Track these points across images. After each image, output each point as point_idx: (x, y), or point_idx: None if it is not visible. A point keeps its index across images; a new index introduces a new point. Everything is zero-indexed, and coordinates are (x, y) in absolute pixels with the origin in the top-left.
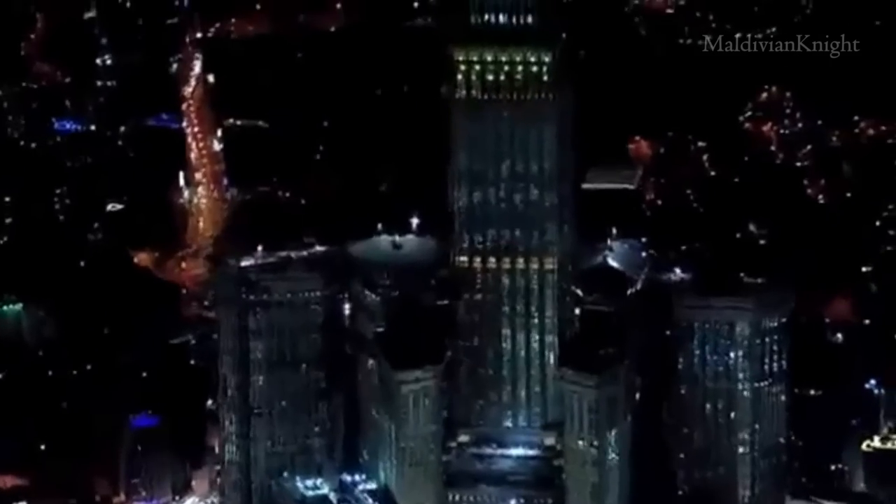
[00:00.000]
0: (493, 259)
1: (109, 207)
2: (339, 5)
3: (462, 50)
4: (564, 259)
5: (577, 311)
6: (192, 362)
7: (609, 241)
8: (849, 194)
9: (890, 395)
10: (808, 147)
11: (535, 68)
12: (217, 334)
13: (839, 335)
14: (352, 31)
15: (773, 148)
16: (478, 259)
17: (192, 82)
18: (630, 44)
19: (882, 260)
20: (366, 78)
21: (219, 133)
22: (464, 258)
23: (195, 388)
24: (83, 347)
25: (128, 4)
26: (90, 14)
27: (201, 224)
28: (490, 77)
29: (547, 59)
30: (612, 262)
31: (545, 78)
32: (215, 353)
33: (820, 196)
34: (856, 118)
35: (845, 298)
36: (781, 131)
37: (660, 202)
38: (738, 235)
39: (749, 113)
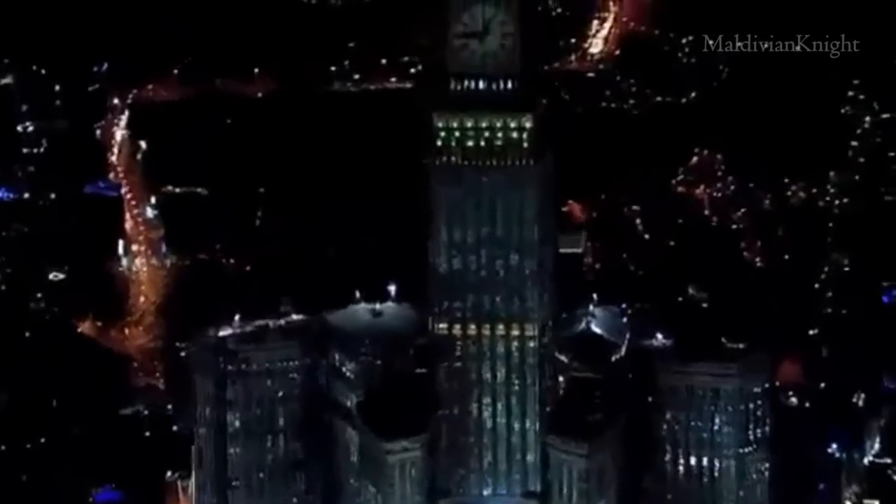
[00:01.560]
0: (473, 326)
1: (51, 277)
2: (256, 70)
3: (442, 116)
4: (545, 325)
5: (562, 378)
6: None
7: (590, 307)
8: (786, 256)
9: (851, 460)
10: (742, 210)
11: (515, 134)
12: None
13: (793, 399)
14: (278, 96)
15: (706, 211)
16: (457, 326)
17: (120, 148)
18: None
19: (826, 323)
20: (298, 143)
21: (152, 200)
22: (443, 325)
23: (152, 459)
24: (34, 419)
25: (43, 71)
26: (6, 80)
27: (142, 292)
28: (470, 143)
29: (527, 125)
30: (595, 329)
31: (525, 143)
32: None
33: (757, 259)
34: (786, 180)
35: (794, 362)
36: (714, 194)
37: (598, 266)
38: (679, 298)
39: (681, 176)
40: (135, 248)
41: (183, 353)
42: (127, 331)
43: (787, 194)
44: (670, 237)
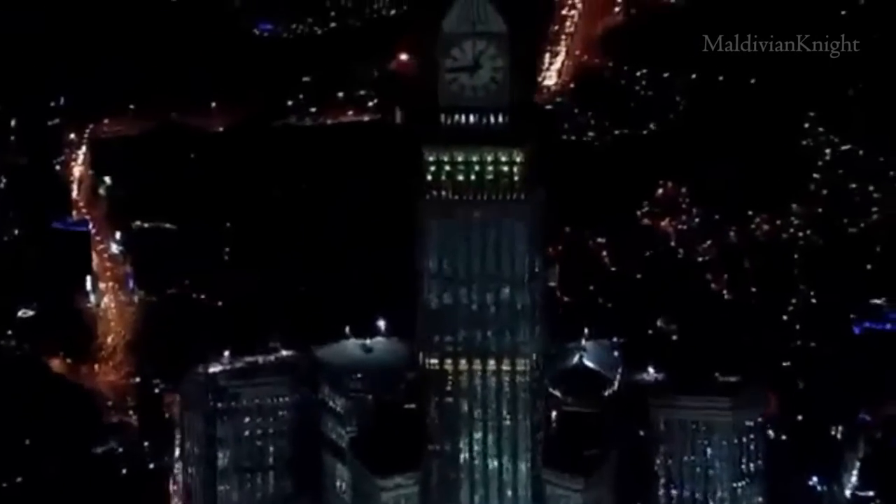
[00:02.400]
0: (464, 361)
1: (20, 314)
2: (213, 104)
3: (432, 150)
4: (537, 360)
5: (555, 412)
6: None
7: (583, 341)
8: (753, 289)
9: (832, 493)
10: (708, 242)
11: (506, 168)
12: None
13: (770, 432)
14: (238, 130)
15: (672, 243)
16: (448, 361)
17: (81, 183)
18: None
19: (799, 355)
20: (262, 176)
21: (117, 235)
22: (434, 360)
23: (127, 497)
24: (6, 459)
25: None
26: None
27: (111, 329)
28: (461, 177)
29: (518, 159)
30: (588, 363)
31: (516, 177)
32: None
33: (724, 291)
34: (750, 212)
35: (770, 395)
36: (679, 226)
37: (567, 299)
38: (649, 331)
39: (646, 208)
40: (102, 284)
41: (157, 390)
42: (97, 368)
43: (751, 226)
44: (637, 270)
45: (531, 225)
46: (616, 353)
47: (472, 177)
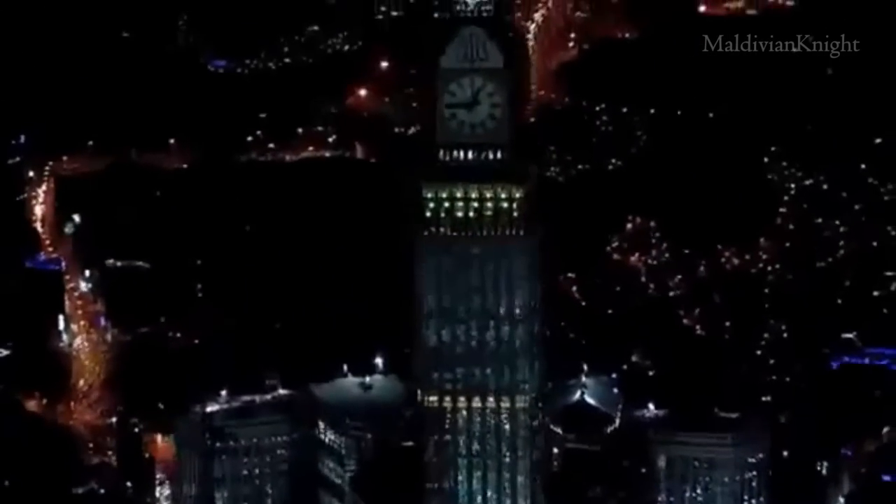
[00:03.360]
0: (463, 398)
1: None
2: (172, 141)
3: (431, 187)
4: (536, 397)
5: (557, 450)
6: None
7: (582, 378)
8: (727, 323)
9: None
10: (678, 277)
11: (505, 204)
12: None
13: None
14: (202, 167)
15: (643, 279)
16: (447, 398)
17: (44, 221)
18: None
19: (779, 391)
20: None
21: (86, 273)
22: (433, 398)
23: None
24: None
25: None
26: None
27: (85, 368)
28: (459, 214)
29: (518, 195)
30: (590, 400)
31: (515, 213)
32: None
33: (697, 326)
34: (719, 247)
35: None
36: (649, 262)
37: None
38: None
39: (615, 244)
40: (74, 323)
41: (137, 430)
42: (74, 407)
43: (721, 261)
44: (608, 305)
45: (531, 261)
46: (615, 390)
47: (472, 213)
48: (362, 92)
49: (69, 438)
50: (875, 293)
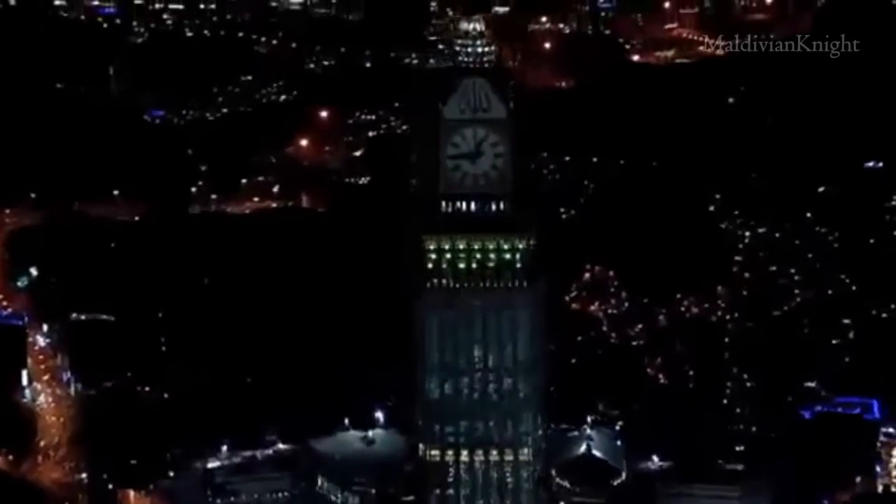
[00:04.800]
0: (465, 452)
1: None
2: (116, 192)
3: (433, 239)
4: (539, 450)
5: (562, 503)
6: None
7: (587, 430)
8: (691, 372)
9: None
10: (639, 326)
11: (508, 255)
12: None
13: None
14: (152, 219)
15: (604, 328)
16: (449, 452)
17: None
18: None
19: (752, 441)
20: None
21: (44, 328)
22: (435, 451)
23: None
24: None
25: None
26: None
27: (51, 423)
28: (462, 265)
29: (521, 246)
30: (596, 452)
31: (518, 265)
32: None
33: (660, 375)
34: (678, 296)
35: None
36: (609, 310)
37: None
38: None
39: (574, 293)
40: (36, 379)
41: (110, 486)
42: (41, 462)
43: (680, 309)
44: (570, 355)
45: (533, 313)
46: (619, 442)
47: (474, 265)
48: (303, 142)
49: (39, 496)
50: (834, 341)
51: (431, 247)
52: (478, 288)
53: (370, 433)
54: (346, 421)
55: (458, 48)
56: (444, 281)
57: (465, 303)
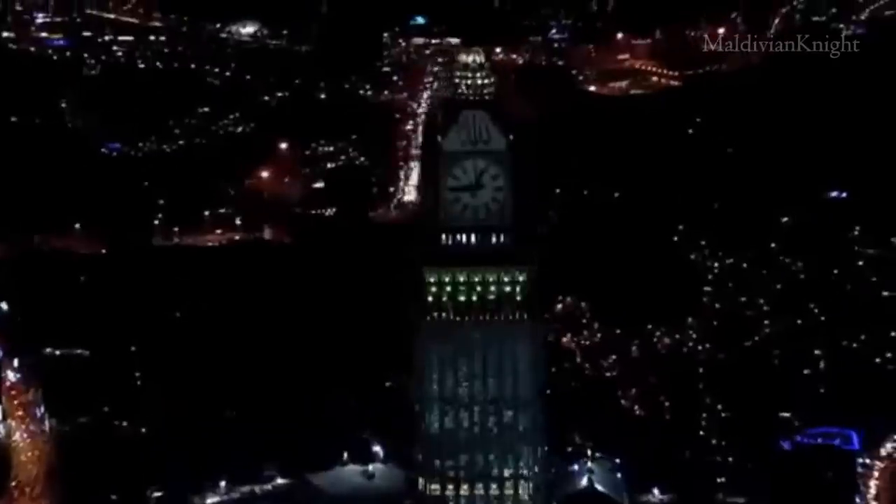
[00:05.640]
0: (466, 486)
1: None
2: (77, 225)
3: (433, 271)
4: (540, 484)
5: None
6: None
7: (588, 463)
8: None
9: None
10: (612, 357)
11: (508, 288)
12: None
13: None
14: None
15: (578, 359)
16: (450, 486)
17: None
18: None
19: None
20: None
21: (15, 363)
22: (435, 486)
23: None
24: None
25: None
26: None
27: (27, 459)
28: (462, 298)
29: (521, 279)
30: (598, 486)
31: (519, 297)
32: None
33: (635, 406)
34: (649, 326)
35: None
36: (583, 342)
37: None
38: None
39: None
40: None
41: None
42: (17, 499)
43: (653, 340)
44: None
45: (534, 346)
46: (619, 475)
47: (474, 297)
48: (264, 174)
49: None
50: (806, 371)
51: (432, 279)
52: (478, 320)
53: (370, 467)
54: (345, 455)
55: (457, 80)
56: (444, 314)
57: (465, 335)
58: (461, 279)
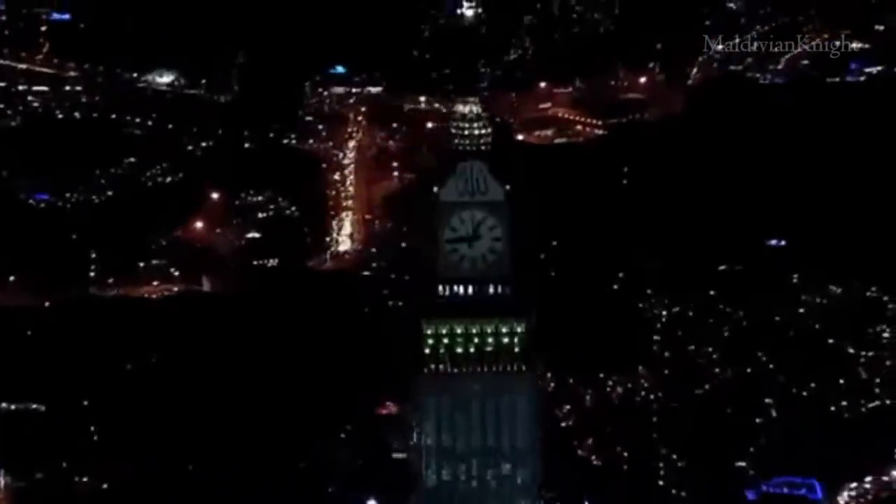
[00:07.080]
0: None
1: None
2: (12, 278)
3: (431, 323)
4: None
5: None
6: None
7: None
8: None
9: None
10: (567, 407)
11: (506, 339)
12: None
13: None
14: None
15: None
16: None
17: None
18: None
19: None
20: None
21: None
22: None
23: None
24: None
25: None
26: None
27: None
28: (459, 349)
29: (519, 330)
30: None
31: (517, 349)
32: None
33: (593, 456)
34: (601, 375)
35: None
36: None
37: None
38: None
39: None
40: None
41: None
42: None
43: (606, 389)
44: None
45: (532, 398)
46: None
47: (472, 349)
48: (197, 224)
49: None
50: (757, 420)
51: (429, 331)
52: (476, 372)
53: None
54: None
55: (454, 130)
56: (441, 366)
57: (462, 387)
58: (459, 330)
